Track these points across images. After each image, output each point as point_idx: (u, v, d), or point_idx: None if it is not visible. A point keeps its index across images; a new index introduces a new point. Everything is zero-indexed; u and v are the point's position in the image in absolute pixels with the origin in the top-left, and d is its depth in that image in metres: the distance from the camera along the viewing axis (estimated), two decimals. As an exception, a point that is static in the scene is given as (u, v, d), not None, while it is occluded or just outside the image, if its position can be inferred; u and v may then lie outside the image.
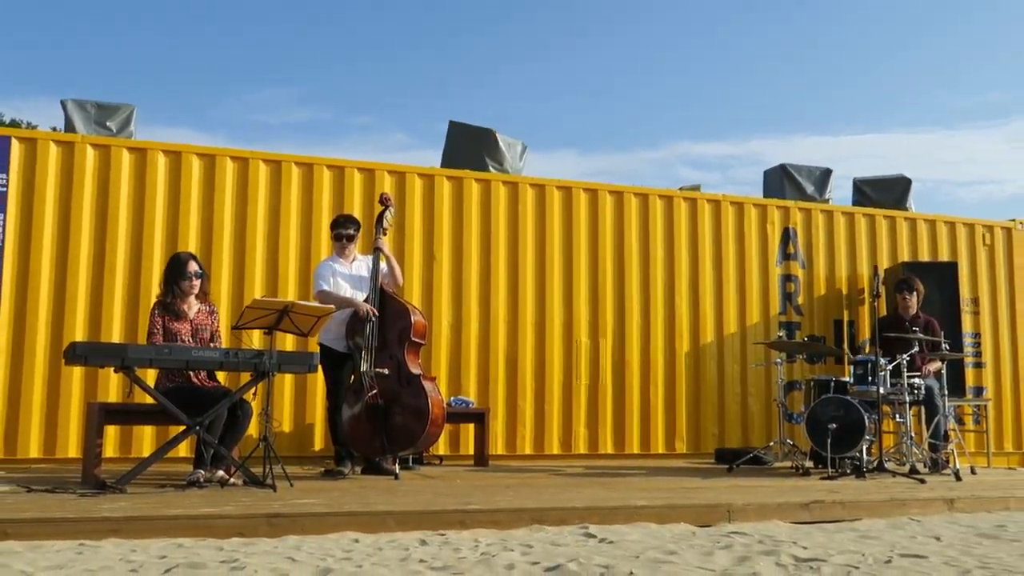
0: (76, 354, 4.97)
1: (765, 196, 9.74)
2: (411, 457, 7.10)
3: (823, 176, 9.70)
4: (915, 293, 7.60)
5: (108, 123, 7.50)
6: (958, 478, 6.44)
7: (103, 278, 7.16)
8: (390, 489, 5.34)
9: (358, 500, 4.67)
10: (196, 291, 5.79)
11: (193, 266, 5.76)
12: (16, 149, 7.07)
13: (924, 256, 9.53)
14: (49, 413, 6.92)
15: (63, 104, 7.48)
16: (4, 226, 6.93)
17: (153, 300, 6.40)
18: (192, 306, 5.79)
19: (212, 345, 5.76)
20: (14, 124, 27.67)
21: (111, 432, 6.91)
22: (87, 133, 7.44)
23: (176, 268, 5.75)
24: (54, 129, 17.18)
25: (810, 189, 9.63)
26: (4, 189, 6.96)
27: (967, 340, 9.31)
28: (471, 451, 7.79)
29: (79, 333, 7.02)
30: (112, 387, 7.01)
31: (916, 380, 6.95)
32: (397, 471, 6.21)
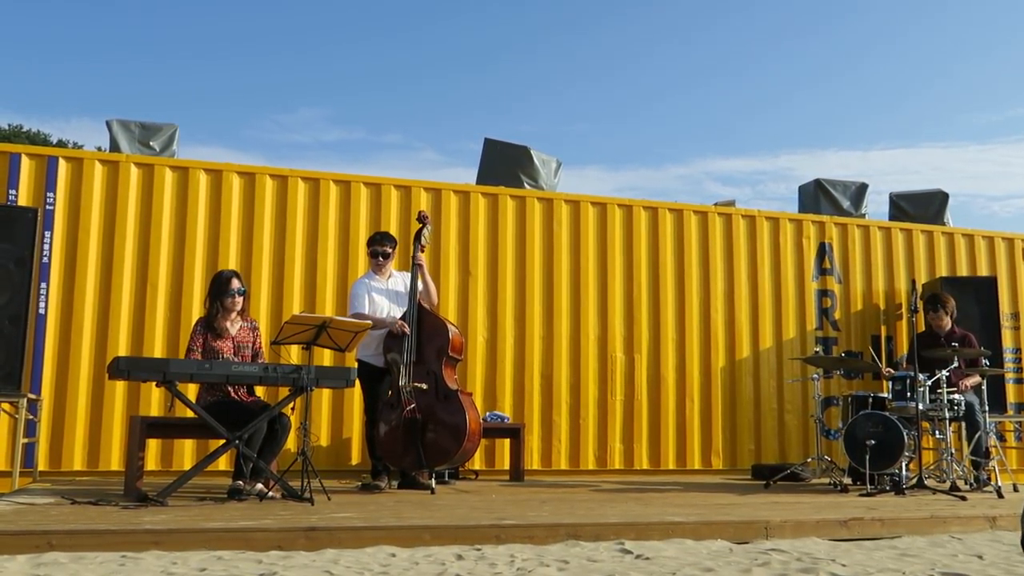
0: (119, 369, 5.06)
1: (800, 211, 9.68)
2: (447, 472, 7.12)
3: (859, 191, 9.62)
4: (944, 309, 7.50)
5: (152, 142, 7.64)
6: (1000, 495, 6.33)
7: (146, 294, 7.27)
8: (426, 503, 5.35)
9: (394, 514, 4.68)
10: (239, 308, 5.88)
11: (236, 284, 5.84)
12: (63, 168, 7.22)
13: (962, 271, 9.41)
14: (92, 427, 7.03)
15: (108, 124, 7.63)
16: (51, 243, 7.08)
17: (194, 316, 6.51)
18: (234, 323, 5.87)
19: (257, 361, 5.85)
20: (60, 144, 28.22)
21: (153, 445, 7.00)
22: (131, 152, 7.58)
23: (219, 286, 5.84)
24: (99, 149, 17.51)
25: (846, 204, 9.55)
26: (51, 207, 7.11)
27: (1008, 356, 9.17)
28: (506, 466, 7.79)
29: (122, 348, 7.14)
30: (154, 401, 7.11)
31: (956, 396, 6.86)
32: (433, 485, 6.23)
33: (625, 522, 4.49)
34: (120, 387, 7.07)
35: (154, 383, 5.31)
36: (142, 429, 5.70)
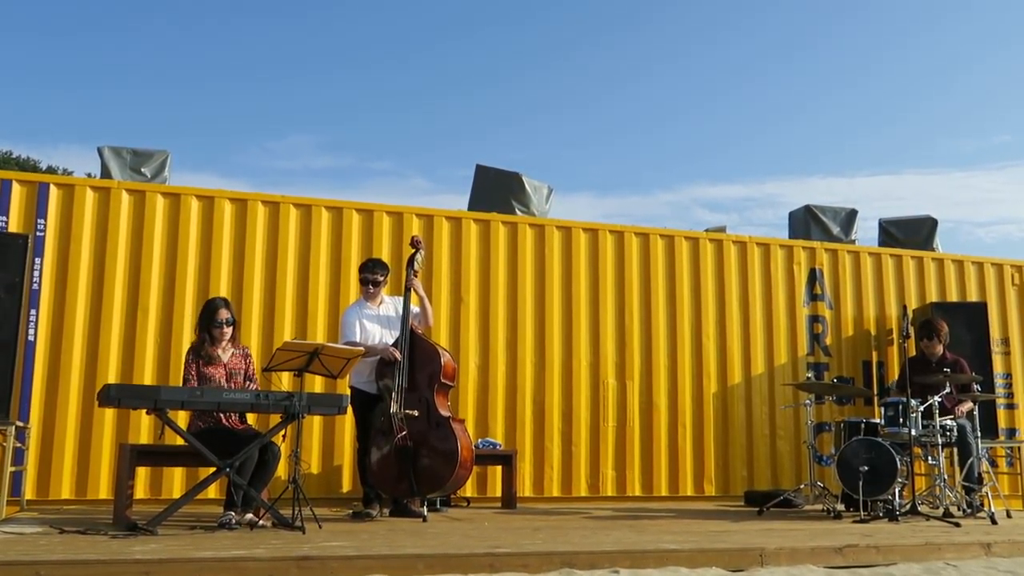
0: (109, 396, 5.02)
1: (791, 237, 9.72)
2: (438, 499, 7.07)
3: (849, 217, 9.68)
4: (939, 336, 7.53)
5: (143, 169, 7.62)
6: (994, 521, 6.33)
7: (136, 321, 7.23)
8: (418, 531, 5.31)
9: (387, 543, 4.65)
10: (227, 338, 5.85)
11: (224, 314, 5.80)
12: (54, 195, 7.20)
13: (952, 296, 9.45)
14: (81, 454, 6.95)
15: (100, 151, 7.62)
16: (41, 269, 7.04)
17: (186, 342, 6.48)
18: (226, 350, 5.85)
19: (248, 386, 5.82)
20: (50, 171, 28.15)
21: (142, 473, 6.94)
22: (123, 179, 7.57)
23: (208, 316, 5.82)
24: (89, 175, 17.46)
25: (836, 230, 9.60)
26: (42, 234, 7.08)
27: (998, 381, 9.19)
28: (498, 493, 7.74)
29: (112, 375, 7.09)
30: (144, 429, 7.06)
31: (948, 422, 6.86)
32: (425, 513, 6.20)
33: (620, 550, 4.46)
34: (109, 414, 7.01)
35: (144, 410, 5.27)
36: (132, 457, 5.65)
